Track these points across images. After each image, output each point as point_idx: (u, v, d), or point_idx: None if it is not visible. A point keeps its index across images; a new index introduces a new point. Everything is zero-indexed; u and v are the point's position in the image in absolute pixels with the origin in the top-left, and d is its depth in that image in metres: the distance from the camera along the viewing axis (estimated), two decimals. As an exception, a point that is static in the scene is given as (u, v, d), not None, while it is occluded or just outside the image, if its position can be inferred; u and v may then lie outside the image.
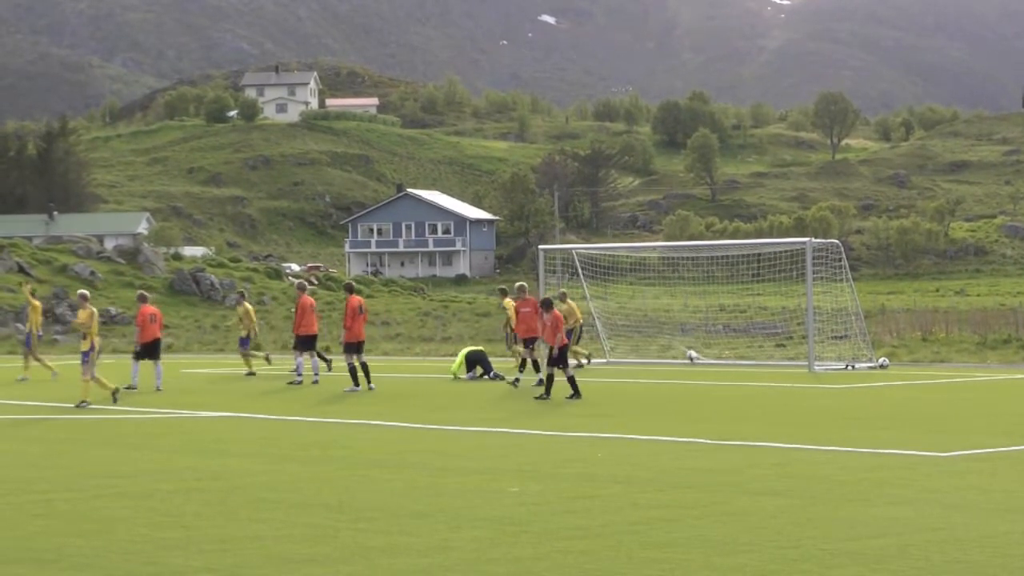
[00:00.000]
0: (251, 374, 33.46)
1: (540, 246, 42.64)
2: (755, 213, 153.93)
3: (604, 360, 38.02)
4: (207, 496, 13.78)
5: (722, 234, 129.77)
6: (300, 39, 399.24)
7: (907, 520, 11.78)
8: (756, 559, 10.20)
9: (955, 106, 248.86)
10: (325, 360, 32.46)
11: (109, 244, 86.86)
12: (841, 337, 37.02)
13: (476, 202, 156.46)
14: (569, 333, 29.78)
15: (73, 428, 21.61)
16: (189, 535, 11.46)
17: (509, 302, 32.98)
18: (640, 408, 24.34)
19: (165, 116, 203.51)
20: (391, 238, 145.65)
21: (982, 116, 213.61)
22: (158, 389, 27.89)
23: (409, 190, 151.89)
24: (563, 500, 13.19)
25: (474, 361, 31.84)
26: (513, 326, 31.33)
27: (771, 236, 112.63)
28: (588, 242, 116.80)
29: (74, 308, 26.59)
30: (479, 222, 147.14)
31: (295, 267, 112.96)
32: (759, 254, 42.90)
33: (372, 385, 28.00)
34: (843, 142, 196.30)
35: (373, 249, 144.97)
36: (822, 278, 36.47)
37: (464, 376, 31.54)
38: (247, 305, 35.77)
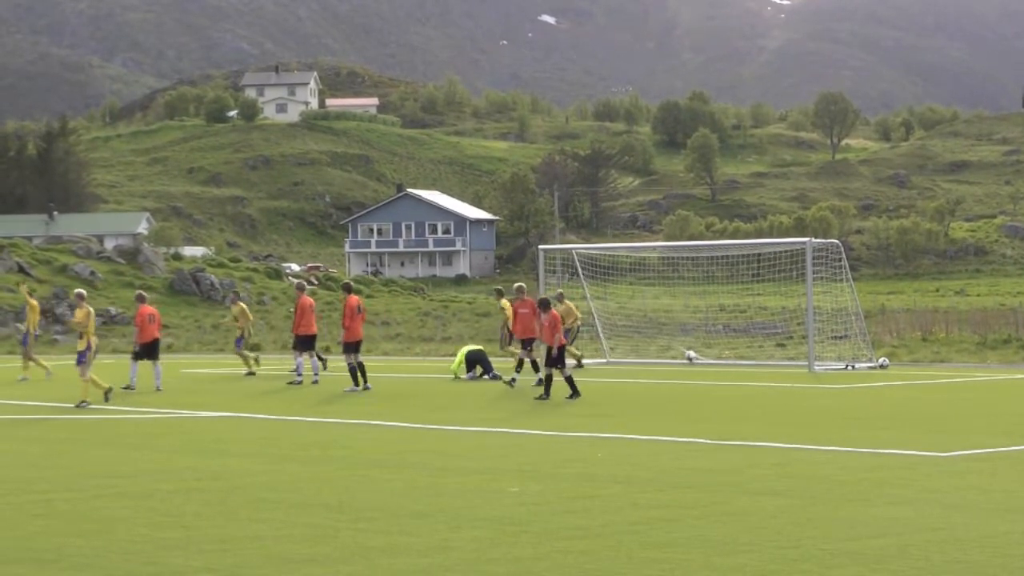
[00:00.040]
0: (251, 374, 33.46)
1: (540, 246, 42.64)
2: (755, 213, 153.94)
3: (604, 360, 38.04)
4: (207, 496, 13.78)
5: (722, 234, 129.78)
6: (300, 39, 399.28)
7: (907, 520, 11.78)
8: (756, 559, 10.20)
9: (955, 106, 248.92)
10: (321, 360, 32.46)
11: (109, 244, 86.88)
12: (841, 337, 37.02)
13: (476, 202, 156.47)
14: (566, 333, 29.80)
15: (73, 428, 21.61)
16: (189, 535, 11.46)
17: (506, 303, 33.02)
18: (640, 408, 24.34)
19: (165, 116, 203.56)
20: (391, 238, 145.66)
21: (982, 116, 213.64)
22: (158, 389, 27.88)
23: (409, 190, 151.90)
24: (563, 500, 13.19)
25: (474, 361, 31.86)
26: (511, 327, 31.34)
27: (771, 236, 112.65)
28: (588, 242, 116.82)
29: (74, 308, 26.54)
30: (479, 222, 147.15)
31: (295, 267, 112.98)
32: (759, 254, 42.89)
33: (368, 385, 28.00)
34: (843, 142, 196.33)
35: (373, 249, 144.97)
36: (822, 278, 36.47)
37: (464, 376, 31.56)
38: (242, 304, 35.80)
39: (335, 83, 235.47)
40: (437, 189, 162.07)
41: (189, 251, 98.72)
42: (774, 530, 11.33)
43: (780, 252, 40.74)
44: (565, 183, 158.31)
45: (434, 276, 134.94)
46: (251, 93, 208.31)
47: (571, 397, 24.95)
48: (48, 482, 14.97)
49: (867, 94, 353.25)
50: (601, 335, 39.67)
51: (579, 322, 34.52)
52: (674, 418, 22.20)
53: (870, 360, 34.61)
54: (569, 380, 25.30)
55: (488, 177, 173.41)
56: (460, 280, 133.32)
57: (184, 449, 18.19)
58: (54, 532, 11.74)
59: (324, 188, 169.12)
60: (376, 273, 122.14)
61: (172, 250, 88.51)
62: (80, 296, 26.18)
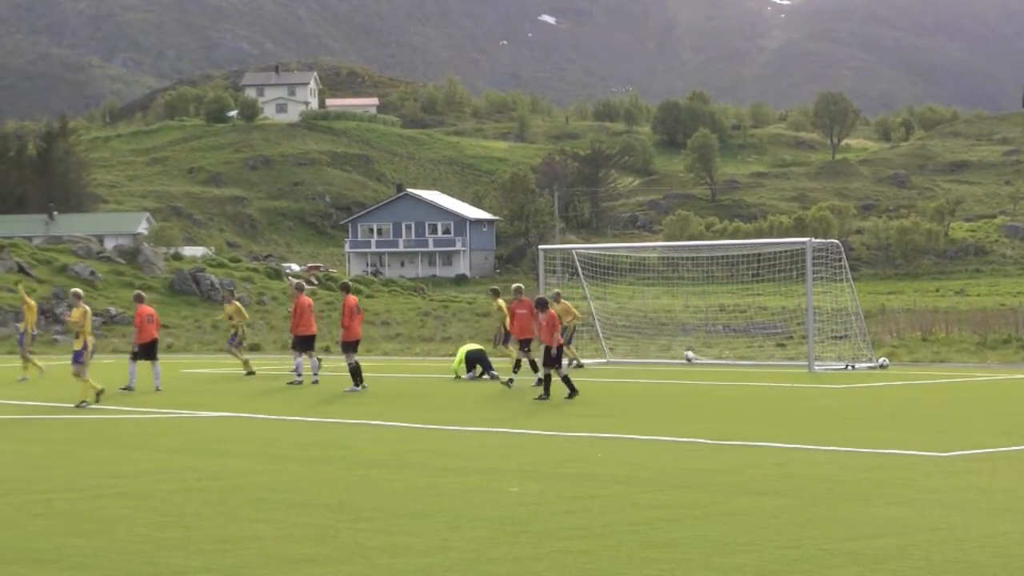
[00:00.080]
0: (251, 373, 33.47)
1: (540, 246, 42.66)
2: (755, 213, 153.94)
3: (604, 360, 38.04)
4: (207, 496, 13.78)
5: (722, 234, 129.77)
6: (300, 39, 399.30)
7: (907, 520, 11.78)
8: (756, 559, 10.20)
9: (955, 106, 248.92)
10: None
11: (109, 244, 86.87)
12: (841, 337, 37.03)
13: (476, 202, 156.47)
14: (563, 332, 29.81)
15: (73, 428, 21.61)
16: (189, 535, 11.46)
17: (501, 302, 33.19)
18: (640, 408, 24.34)
19: (165, 116, 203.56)
20: (391, 238, 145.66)
21: (982, 116, 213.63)
22: (157, 389, 27.88)
23: (409, 190, 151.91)
24: (563, 500, 13.19)
25: (474, 361, 31.88)
26: (508, 327, 31.41)
27: (771, 236, 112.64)
28: (588, 242, 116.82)
29: (71, 307, 26.50)
30: (479, 222, 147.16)
31: (295, 267, 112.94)
32: (759, 254, 42.90)
33: (364, 384, 28.00)
34: (843, 142, 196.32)
35: (373, 249, 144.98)
36: (822, 278, 36.47)
37: (465, 376, 31.58)
38: (237, 303, 35.84)
39: (335, 83, 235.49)
40: (437, 189, 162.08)
41: (189, 251, 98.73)
42: (774, 530, 11.33)
43: (780, 252, 40.75)
44: (565, 183, 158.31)
45: (434, 276, 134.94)
46: (251, 93, 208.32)
47: (569, 396, 24.97)
48: (48, 482, 14.97)
49: (867, 94, 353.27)
50: (600, 335, 39.67)
51: (577, 321, 34.51)
52: (674, 418, 22.20)
53: (870, 360, 34.61)
54: (565, 380, 25.31)
55: (488, 177, 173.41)
56: (460, 280, 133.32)
57: (184, 449, 18.19)
58: (54, 532, 11.74)
59: (324, 188, 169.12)
60: (376, 273, 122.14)
61: (172, 250, 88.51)
62: (77, 295, 26.15)
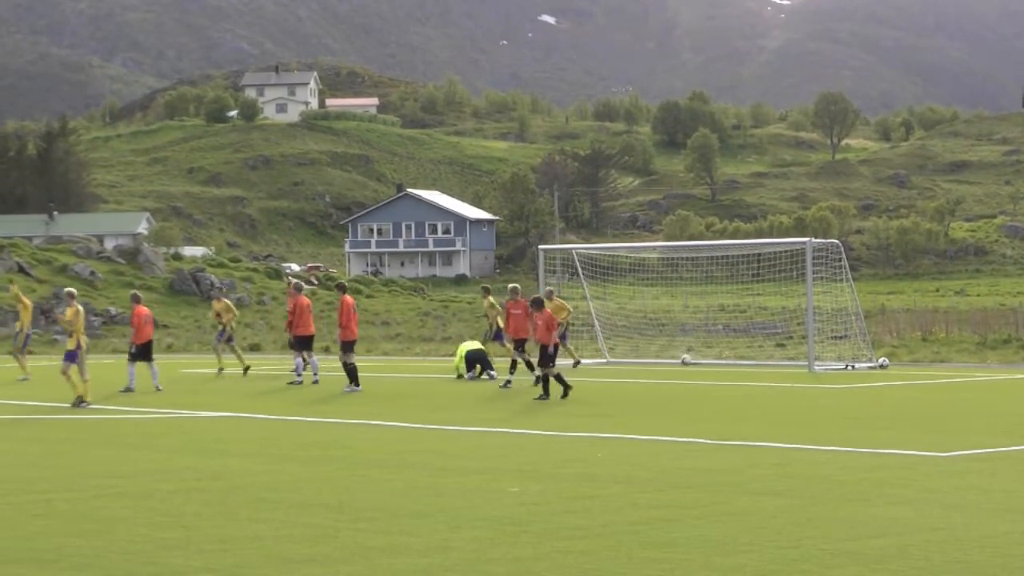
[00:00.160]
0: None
1: (540, 246, 42.67)
2: (755, 213, 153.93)
3: (603, 360, 38.04)
4: (207, 496, 13.78)
5: (722, 234, 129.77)
6: (300, 39, 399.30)
7: (907, 520, 11.78)
8: (756, 559, 10.20)
9: (955, 106, 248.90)
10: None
11: (109, 244, 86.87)
12: (841, 337, 37.03)
13: (476, 202, 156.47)
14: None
15: (73, 428, 21.60)
16: (189, 535, 11.46)
17: (492, 300, 33.58)
18: (640, 408, 24.34)
19: (165, 116, 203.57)
20: (391, 238, 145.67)
21: (982, 116, 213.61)
22: (157, 389, 27.87)
23: (409, 190, 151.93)
24: (563, 500, 13.19)
25: (474, 360, 31.91)
26: (504, 326, 31.51)
27: (771, 236, 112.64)
28: (588, 242, 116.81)
29: (64, 307, 26.47)
30: (479, 222, 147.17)
31: (295, 267, 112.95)
32: (759, 254, 42.91)
33: (357, 386, 27.99)
34: (843, 142, 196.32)
35: (373, 249, 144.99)
36: (822, 278, 36.47)
37: (465, 376, 31.61)
38: (226, 301, 35.88)
39: (335, 83, 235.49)
40: (437, 189, 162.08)
41: (189, 251, 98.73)
42: (774, 530, 11.33)
43: (780, 252, 40.75)
44: (565, 183, 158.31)
45: (434, 276, 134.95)
46: (251, 93, 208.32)
47: (564, 395, 25.00)
48: (48, 482, 14.96)
49: (867, 94, 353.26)
50: (600, 335, 39.67)
51: (569, 315, 34.59)
52: (674, 418, 22.20)
53: (870, 360, 34.61)
54: (558, 377, 25.31)
55: (488, 177, 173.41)
56: (460, 280, 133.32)
57: (184, 449, 18.18)
58: (54, 532, 11.74)
59: (324, 188, 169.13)
60: (376, 273, 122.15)
61: (172, 250, 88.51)
62: (70, 295, 26.13)
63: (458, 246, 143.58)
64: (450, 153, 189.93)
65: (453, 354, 33.90)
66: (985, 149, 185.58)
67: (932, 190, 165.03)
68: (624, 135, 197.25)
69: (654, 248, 54.73)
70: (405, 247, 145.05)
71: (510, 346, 30.42)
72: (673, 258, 48.46)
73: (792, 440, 17.99)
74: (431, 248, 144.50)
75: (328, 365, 33.87)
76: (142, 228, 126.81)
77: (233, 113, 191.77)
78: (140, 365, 28.50)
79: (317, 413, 23.09)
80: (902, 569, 9.80)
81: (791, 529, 11.38)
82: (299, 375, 30.22)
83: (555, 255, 42.99)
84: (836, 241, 40.64)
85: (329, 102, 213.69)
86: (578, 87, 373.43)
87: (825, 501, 12.92)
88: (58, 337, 50.31)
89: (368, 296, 73.51)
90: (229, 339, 34.84)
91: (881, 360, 34.51)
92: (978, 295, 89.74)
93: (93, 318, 56.21)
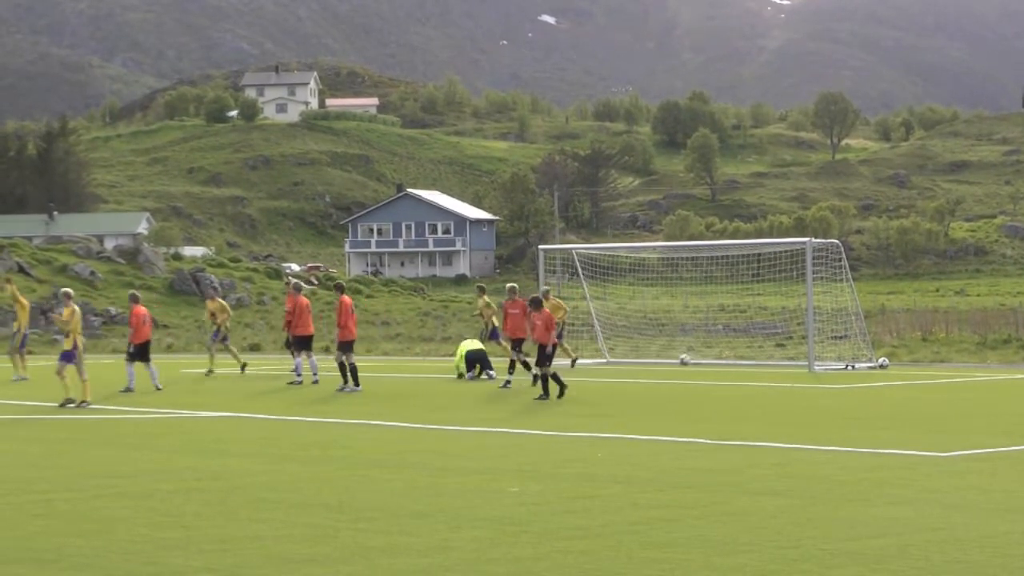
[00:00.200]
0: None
1: (540, 246, 42.69)
2: (755, 213, 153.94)
3: (604, 360, 38.04)
4: (207, 496, 13.78)
5: (722, 234, 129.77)
6: (300, 39, 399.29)
7: (907, 520, 11.78)
8: (756, 559, 10.20)
9: (955, 106, 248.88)
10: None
11: (109, 244, 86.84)
12: (841, 337, 37.03)
13: (476, 202, 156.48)
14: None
15: (73, 428, 21.60)
16: (189, 535, 11.46)
17: (486, 299, 33.76)
18: (640, 408, 24.34)
19: (165, 116, 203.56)
20: (391, 238, 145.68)
21: (982, 116, 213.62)
22: (158, 388, 27.86)
23: (409, 190, 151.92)
24: (563, 500, 13.19)
25: (474, 360, 31.92)
26: (496, 324, 31.55)
27: (771, 236, 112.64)
28: (588, 242, 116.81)
29: (61, 307, 26.46)
30: (479, 222, 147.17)
31: (295, 267, 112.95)
32: (759, 254, 42.91)
33: (348, 386, 27.96)
34: (843, 142, 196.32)
35: (373, 249, 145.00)
36: (822, 278, 36.47)
37: (467, 375, 31.63)
38: (220, 300, 35.88)
39: (335, 83, 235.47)
40: (437, 189, 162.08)
41: (189, 251, 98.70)
42: (774, 530, 11.33)
43: (780, 252, 40.75)
44: (565, 183, 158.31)
45: (434, 276, 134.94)
46: (251, 93, 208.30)
47: (560, 394, 25.01)
48: (48, 482, 14.96)
49: (867, 94, 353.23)
50: (600, 335, 39.67)
51: (566, 315, 34.68)
52: (674, 418, 22.20)
53: (870, 360, 34.61)
54: (555, 377, 25.31)
55: (488, 177, 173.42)
56: (460, 280, 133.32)
57: (184, 449, 18.18)
58: (54, 532, 11.74)
59: (324, 188, 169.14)
60: (376, 273, 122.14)
61: (172, 250, 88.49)
62: (67, 295, 26.11)
63: (458, 246, 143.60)
64: (450, 153, 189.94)
65: (453, 354, 33.93)
66: (985, 149, 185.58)
67: (932, 190, 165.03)
68: (624, 135, 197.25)
69: (654, 248, 54.74)
70: (405, 247, 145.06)
71: (506, 344, 30.47)
72: (673, 258, 48.46)
73: (792, 440, 17.99)
74: (431, 248, 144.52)
75: (328, 365, 33.85)
76: (142, 228, 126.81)
77: (233, 113, 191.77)
78: (138, 365, 28.49)
79: (317, 413, 23.09)
80: (902, 569, 9.80)
81: (791, 529, 11.38)
82: (299, 375, 30.24)
83: (555, 255, 43.00)
84: (836, 241, 40.64)
85: (329, 102, 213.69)
86: (578, 87, 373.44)
87: (825, 501, 12.92)
88: (58, 337, 50.31)
89: (368, 296, 73.46)
90: (224, 339, 34.85)
91: (881, 360, 34.52)
92: (978, 295, 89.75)
93: (93, 318, 56.22)
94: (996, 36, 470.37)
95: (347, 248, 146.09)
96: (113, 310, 59.08)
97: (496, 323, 33.66)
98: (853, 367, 33.77)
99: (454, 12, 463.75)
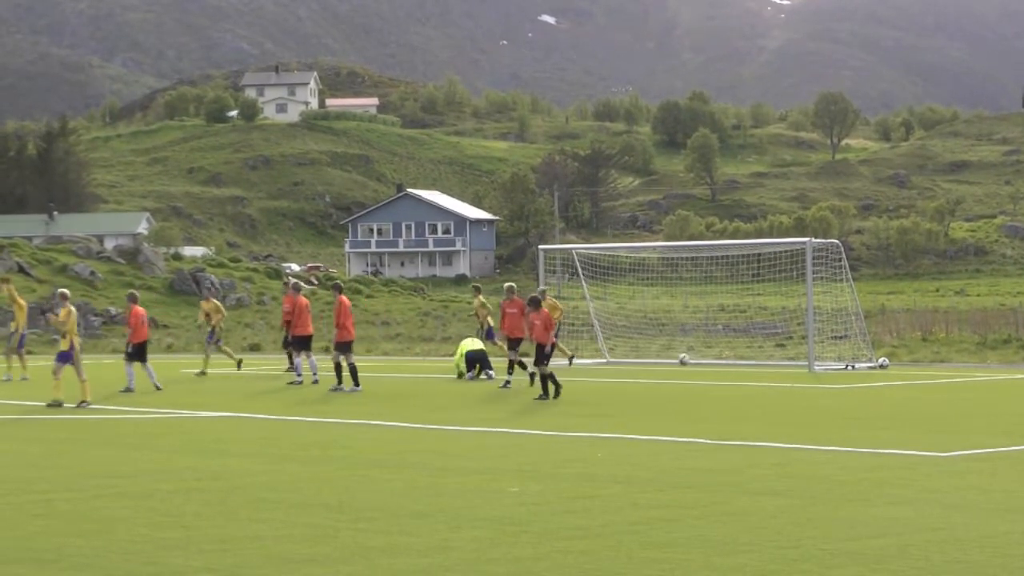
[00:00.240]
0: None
1: (540, 246, 42.70)
2: (755, 213, 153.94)
3: (604, 360, 38.04)
4: (207, 496, 13.78)
5: (722, 234, 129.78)
6: (300, 39, 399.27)
7: (907, 520, 11.77)
8: (756, 559, 10.19)
9: (955, 106, 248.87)
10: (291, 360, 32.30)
11: (109, 244, 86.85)
12: (841, 337, 37.04)
13: (476, 202, 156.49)
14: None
15: (73, 428, 21.60)
16: (189, 535, 11.46)
17: (482, 299, 33.87)
18: (640, 408, 24.34)
19: (165, 116, 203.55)
20: (391, 238, 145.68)
21: (982, 116, 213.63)
22: (157, 388, 27.86)
23: (409, 190, 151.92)
24: (563, 500, 13.19)
25: (474, 360, 31.94)
26: (491, 324, 31.60)
27: (771, 236, 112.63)
28: (588, 242, 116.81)
29: (58, 308, 26.45)
30: (479, 222, 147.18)
31: (295, 267, 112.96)
32: (759, 254, 42.92)
33: (342, 386, 27.93)
34: (843, 142, 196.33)
35: (373, 249, 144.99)
36: (822, 278, 36.48)
37: (467, 375, 31.65)
38: (215, 301, 35.88)
39: (335, 83, 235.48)
40: (437, 189, 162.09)
41: (189, 251, 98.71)
42: (774, 530, 11.33)
43: (780, 252, 40.76)
44: (565, 183, 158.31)
45: (434, 276, 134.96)
46: (251, 93, 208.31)
47: (556, 395, 25.02)
48: (48, 482, 14.96)
49: (867, 94, 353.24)
50: (600, 335, 39.67)
51: (562, 315, 34.75)
52: (674, 418, 22.20)
53: (870, 360, 34.61)
54: (551, 377, 25.31)
55: (488, 177, 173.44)
56: (460, 280, 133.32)
57: (184, 449, 18.18)
58: (54, 532, 11.73)
59: (324, 188, 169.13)
60: (376, 273, 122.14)
61: (172, 250, 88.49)
62: (63, 296, 26.10)
63: (458, 246, 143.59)
64: (450, 153, 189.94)
65: (453, 353, 33.94)
66: (985, 149, 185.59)
67: (932, 190, 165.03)
68: (624, 135, 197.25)
69: (654, 248, 54.73)
70: (405, 247, 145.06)
71: (502, 343, 30.48)
72: (673, 258, 48.47)
73: (792, 440, 17.99)
74: (431, 248, 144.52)
75: (328, 365, 33.83)
76: (142, 228, 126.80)
77: (233, 113, 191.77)
78: (137, 365, 28.49)
79: (317, 413, 23.09)
80: (902, 569, 9.80)
81: (791, 529, 11.38)
82: (299, 375, 30.25)
83: (555, 255, 43.01)
84: (836, 241, 40.65)
85: (329, 102, 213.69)
86: (578, 87, 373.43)
87: (825, 501, 12.92)
88: (58, 338, 50.32)
89: (368, 296, 73.47)
90: (218, 340, 34.87)
91: (881, 360, 34.52)
92: (978, 295, 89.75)
93: (93, 318, 56.24)
94: (996, 36, 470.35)
95: (347, 248, 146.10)
96: (113, 310, 59.09)
97: (492, 323, 33.70)
98: (853, 367, 33.77)
99: (454, 12, 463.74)
